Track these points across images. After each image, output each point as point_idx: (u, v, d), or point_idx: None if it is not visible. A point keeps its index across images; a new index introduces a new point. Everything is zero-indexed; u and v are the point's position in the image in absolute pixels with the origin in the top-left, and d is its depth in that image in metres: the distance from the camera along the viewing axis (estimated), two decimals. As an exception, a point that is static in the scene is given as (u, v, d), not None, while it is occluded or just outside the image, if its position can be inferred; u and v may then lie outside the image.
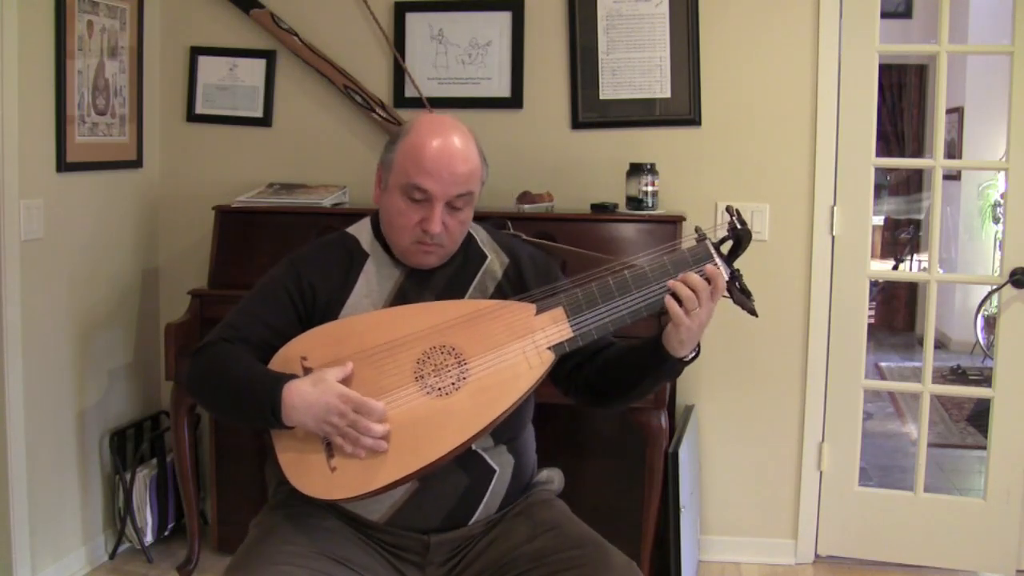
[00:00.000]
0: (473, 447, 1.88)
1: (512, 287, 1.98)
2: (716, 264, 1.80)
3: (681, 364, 1.84)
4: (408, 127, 1.94)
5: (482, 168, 1.96)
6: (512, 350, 1.81)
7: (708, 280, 1.76)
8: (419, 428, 1.76)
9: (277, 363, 1.86)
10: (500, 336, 1.82)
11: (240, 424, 1.91)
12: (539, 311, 1.84)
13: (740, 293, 1.82)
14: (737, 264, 1.85)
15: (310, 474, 1.78)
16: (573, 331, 1.82)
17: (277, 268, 1.99)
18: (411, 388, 1.79)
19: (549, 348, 1.81)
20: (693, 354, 1.85)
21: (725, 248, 1.85)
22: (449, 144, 1.88)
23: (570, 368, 1.96)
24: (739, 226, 1.82)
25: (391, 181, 1.91)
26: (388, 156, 1.93)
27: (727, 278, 1.80)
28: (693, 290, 1.74)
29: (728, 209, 1.86)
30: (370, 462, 1.75)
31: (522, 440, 2.03)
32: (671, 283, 1.76)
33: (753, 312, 1.83)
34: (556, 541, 1.87)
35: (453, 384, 1.80)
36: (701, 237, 1.84)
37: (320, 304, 1.93)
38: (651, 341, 1.85)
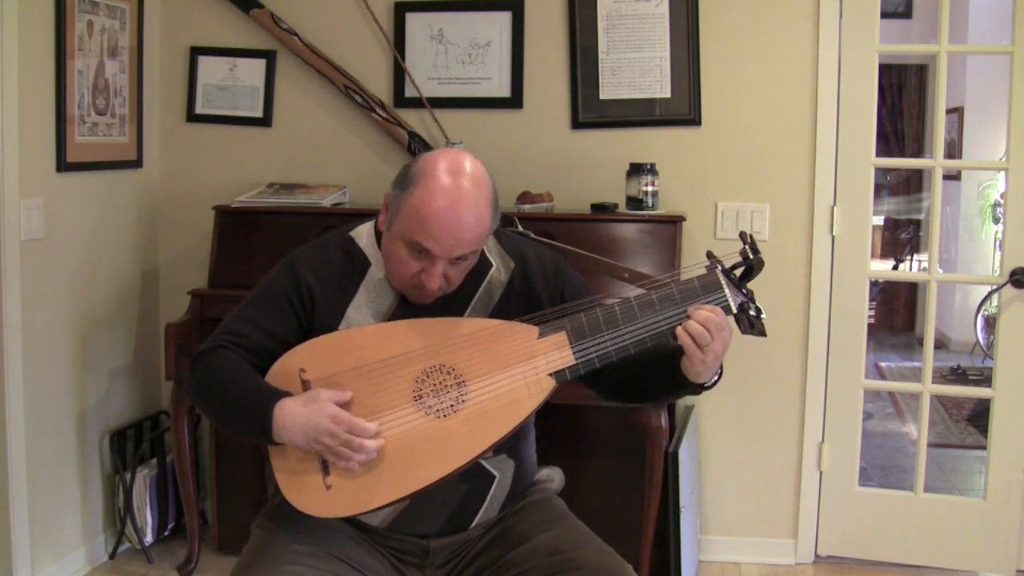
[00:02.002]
0: None
1: (519, 294, 1.95)
2: (725, 295, 1.78)
3: (701, 388, 1.82)
4: (420, 172, 1.81)
5: (492, 224, 1.85)
6: (512, 375, 1.78)
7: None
8: (415, 450, 1.75)
9: (275, 374, 1.84)
10: (501, 359, 1.79)
11: (237, 436, 1.89)
12: (542, 335, 1.81)
13: (748, 324, 1.79)
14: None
15: (305, 491, 1.77)
16: (575, 358, 1.79)
17: (276, 270, 1.96)
18: (408, 408, 1.78)
19: (550, 375, 1.79)
20: (716, 378, 1.82)
21: (737, 274, 1.82)
22: (458, 209, 1.77)
23: (592, 372, 1.92)
24: (751, 255, 1.79)
25: (395, 227, 1.82)
26: (396, 201, 1.83)
27: (735, 311, 1.78)
28: (703, 325, 1.72)
29: (742, 235, 1.83)
30: (365, 483, 1.74)
31: (523, 446, 2.02)
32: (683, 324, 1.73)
33: (763, 334, 1.81)
34: (554, 541, 1.87)
35: (451, 406, 1.77)
36: (712, 265, 1.81)
37: (319, 309, 1.90)
38: (671, 364, 1.81)
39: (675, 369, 1.80)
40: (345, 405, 1.76)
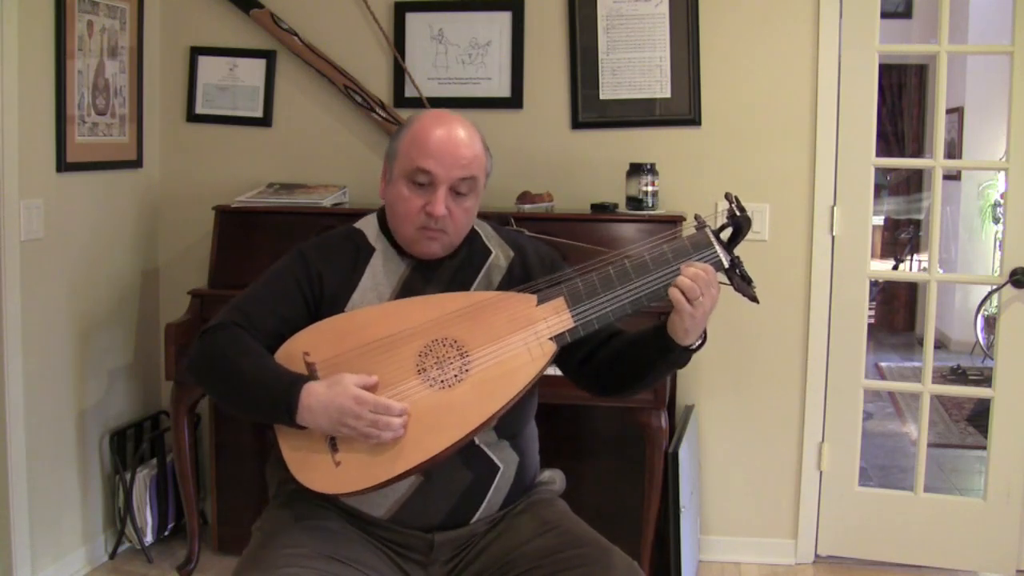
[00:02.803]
0: (476, 442, 1.89)
1: (518, 279, 1.99)
2: (716, 251, 1.81)
3: (688, 353, 1.85)
4: (412, 118, 1.97)
5: (486, 157, 1.97)
6: (514, 341, 1.81)
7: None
8: (423, 421, 1.77)
9: (280, 358, 1.86)
10: (501, 327, 1.82)
11: (244, 415, 1.91)
12: (540, 301, 1.84)
13: (740, 280, 1.83)
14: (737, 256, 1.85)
15: (314, 469, 1.79)
16: (574, 321, 1.82)
17: (286, 257, 1.99)
18: (414, 381, 1.80)
19: (551, 338, 1.82)
20: (700, 341, 1.85)
21: (725, 235, 1.85)
22: (453, 130, 1.91)
23: (578, 361, 1.96)
24: (738, 213, 1.83)
25: (396, 170, 1.93)
26: (393, 146, 1.96)
27: (727, 266, 1.81)
28: (692, 279, 1.75)
29: (727, 196, 1.86)
30: (374, 457, 1.76)
31: (525, 437, 2.03)
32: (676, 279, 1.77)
33: (754, 299, 1.83)
34: (557, 540, 1.87)
35: (455, 376, 1.80)
36: (701, 225, 1.85)
37: (327, 295, 1.93)
38: (656, 331, 1.85)
39: (662, 337, 1.83)
40: (371, 388, 1.78)
